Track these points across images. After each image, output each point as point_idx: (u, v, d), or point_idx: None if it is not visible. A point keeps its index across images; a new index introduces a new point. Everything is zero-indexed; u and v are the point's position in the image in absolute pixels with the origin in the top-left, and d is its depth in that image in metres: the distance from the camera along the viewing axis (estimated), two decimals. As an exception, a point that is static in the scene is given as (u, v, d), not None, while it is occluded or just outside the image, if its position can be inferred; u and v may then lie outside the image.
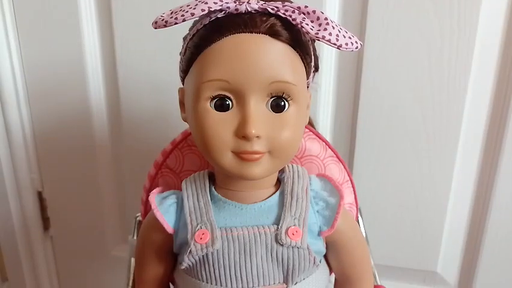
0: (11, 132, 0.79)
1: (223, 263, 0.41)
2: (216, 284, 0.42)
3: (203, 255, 0.41)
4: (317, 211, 0.43)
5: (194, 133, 0.40)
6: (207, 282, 0.42)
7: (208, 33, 0.38)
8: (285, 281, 0.42)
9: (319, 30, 0.37)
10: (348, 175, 0.54)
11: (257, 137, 0.37)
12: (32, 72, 0.76)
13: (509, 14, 0.61)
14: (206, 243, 0.40)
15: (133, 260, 0.55)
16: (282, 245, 0.40)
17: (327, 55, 0.67)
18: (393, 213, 0.73)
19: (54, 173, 0.82)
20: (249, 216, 0.41)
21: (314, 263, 0.42)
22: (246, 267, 0.41)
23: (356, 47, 0.38)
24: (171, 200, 0.43)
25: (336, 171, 0.52)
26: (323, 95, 0.69)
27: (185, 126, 0.49)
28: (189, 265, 0.42)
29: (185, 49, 0.40)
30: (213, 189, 0.43)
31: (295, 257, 0.41)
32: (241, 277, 0.41)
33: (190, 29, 0.41)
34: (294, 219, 0.41)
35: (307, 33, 0.37)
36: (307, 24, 0.37)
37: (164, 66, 0.70)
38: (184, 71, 0.41)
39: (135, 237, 0.57)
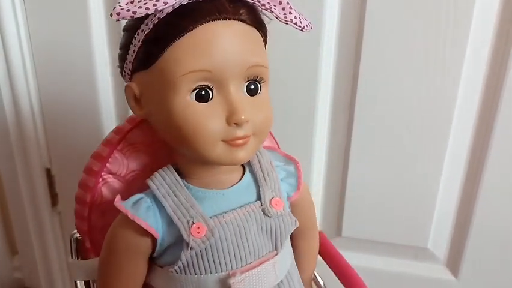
0: (20, 110, 0.78)
1: (222, 249, 0.40)
2: (217, 272, 0.41)
3: (204, 248, 0.40)
4: (281, 179, 0.45)
5: (170, 129, 0.38)
6: (206, 273, 0.41)
7: (180, 21, 0.35)
8: (275, 248, 0.44)
9: (285, 13, 0.38)
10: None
11: (246, 121, 0.38)
12: (39, 49, 0.75)
13: (503, 7, 0.61)
14: (205, 235, 0.39)
15: (79, 282, 0.48)
16: (270, 217, 0.42)
17: (328, 42, 0.67)
18: (386, 190, 0.74)
19: (63, 150, 0.82)
20: (232, 199, 0.42)
21: (296, 224, 0.45)
22: (243, 247, 0.41)
23: (311, 28, 0.40)
24: (145, 204, 0.40)
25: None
26: (323, 81, 0.69)
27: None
28: (183, 263, 0.40)
29: (143, 42, 0.37)
30: (185, 182, 0.42)
31: (281, 225, 0.43)
32: (240, 257, 0.41)
33: (139, 21, 0.37)
34: (272, 191, 0.43)
35: (277, 17, 0.37)
36: (276, 9, 0.37)
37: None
38: (143, 66, 0.38)
39: (75, 259, 0.50)
